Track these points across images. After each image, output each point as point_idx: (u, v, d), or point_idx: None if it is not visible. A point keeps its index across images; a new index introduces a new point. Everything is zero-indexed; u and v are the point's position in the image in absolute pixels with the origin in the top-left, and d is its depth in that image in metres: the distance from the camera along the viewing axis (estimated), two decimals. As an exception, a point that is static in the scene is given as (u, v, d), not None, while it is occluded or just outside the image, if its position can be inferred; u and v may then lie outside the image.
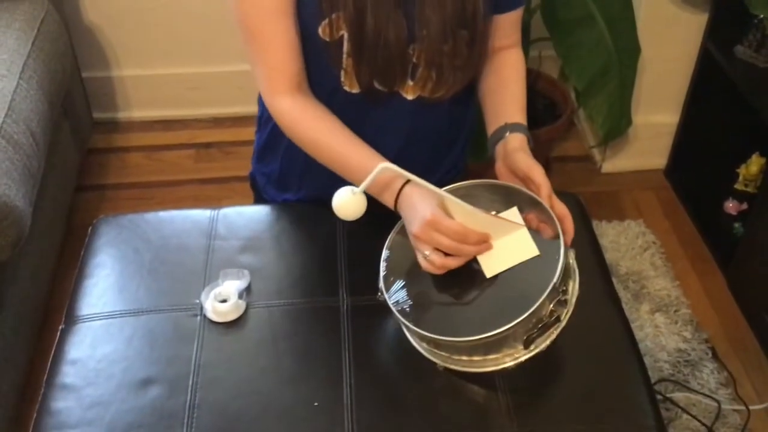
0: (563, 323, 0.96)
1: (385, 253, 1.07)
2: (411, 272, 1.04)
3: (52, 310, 1.96)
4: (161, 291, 1.14)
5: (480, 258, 1.01)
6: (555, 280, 0.93)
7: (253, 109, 1.36)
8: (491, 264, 1.00)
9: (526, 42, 2.18)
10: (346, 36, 1.08)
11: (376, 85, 1.14)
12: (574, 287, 0.98)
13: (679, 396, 1.88)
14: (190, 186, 2.48)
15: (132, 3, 2.43)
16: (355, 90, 1.15)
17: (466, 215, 1.00)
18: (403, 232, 1.08)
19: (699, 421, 1.82)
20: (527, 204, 1.03)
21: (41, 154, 1.85)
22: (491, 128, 1.17)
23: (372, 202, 1.04)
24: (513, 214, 1.02)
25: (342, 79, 1.14)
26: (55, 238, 2.07)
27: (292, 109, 1.13)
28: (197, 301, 1.12)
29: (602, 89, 2.06)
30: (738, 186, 2.39)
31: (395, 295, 1.02)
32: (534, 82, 2.40)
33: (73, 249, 2.06)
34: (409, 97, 1.17)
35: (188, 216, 1.27)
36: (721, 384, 1.92)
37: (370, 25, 1.05)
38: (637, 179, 2.53)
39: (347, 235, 1.22)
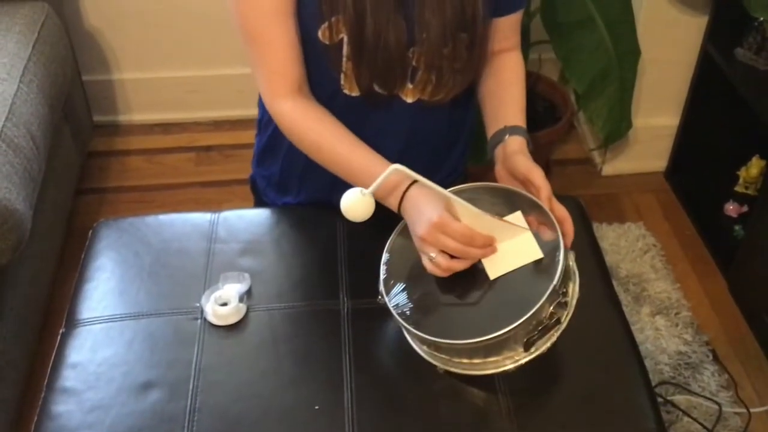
0: (563, 325, 0.96)
1: (385, 256, 1.07)
2: (411, 275, 1.04)
3: (53, 314, 1.96)
4: (161, 294, 1.14)
5: (484, 260, 1.01)
6: (555, 282, 0.93)
7: (253, 112, 1.36)
8: (495, 266, 1.00)
9: (526, 45, 2.18)
10: (345, 39, 1.08)
11: (376, 88, 1.14)
12: (574, 289, 0.98)
13: (679, 399, 1.88)
14: (191, 189, 2.48)
15: (132, 6, 2.44)
16: (355, 93, 1.15)
17: (471, 218, 1.00)
18: (403, 234, 1.08)
19: (700, 423, 1.82)
20: (527, 207, 1.03)
21: (42, 157, 1.85)
22: (491, 131, 1.17)
23: (371, 205, 1.04)
24: (517, 217, 1.02)
25: (342, 82, 1.14)
26: (55, 241, 2.07)
27: (293, 112, 1.13)
28: (198, 304, 1.12)
29: (602, 92, 2.07)
30: (738, 188, 2.39)
31: (395, 298, 1.02)
32: (534, 84, 2.40)
33: (73, 252, 2.06)
34: (409, 100, 1.17)
35: (188, 219, 1.27)
36: (721, 386, 1.92)
37: (369, 28, 1.05)
38: (638, 182, 2.53)
39: (347, 237, 1.22)
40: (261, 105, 1.28)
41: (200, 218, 1.26)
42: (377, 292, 1.05)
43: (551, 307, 0.94)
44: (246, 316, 1.11)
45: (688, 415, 1.84)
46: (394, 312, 1.01)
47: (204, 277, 1.16)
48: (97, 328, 1.10)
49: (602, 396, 1.04)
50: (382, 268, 1.06)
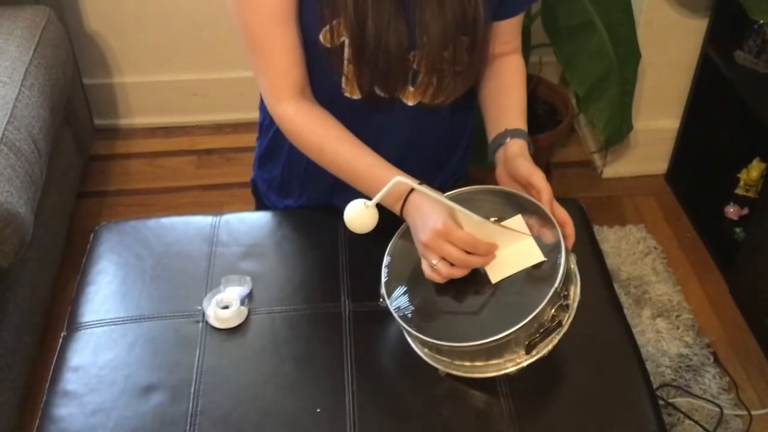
0: (565, 328, 0.96)
1: (386, 259, 1.07)
2: (412, 278, 1.04)
3: (54, 317, 1.96)
4: (163, 297, 1.14)
5: (486, 266, 1.01)
6: (557, 285, 0.93)
7: (254, 115, 1.36)
8: (497, 270, 1.00)
9: (527, 48, 2.18)
10: (347, 42, 1.08)
11: (377, 91, 1.14)
12: (575, 292, 0.98)
13: (681, 401, 1.88)
14: (192, 192, 2.48)
15: (133, 10, 2.44)
16: (356, 96, 1.15)
17: (472, 225, 1.00)
18: (405, 237, 1.08)
19: (701, 426, 1.82)
20: (528, 209, 1.03)
21: (43, 161, 1.86)
22: (492, 134, 1.17)
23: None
24: (518, 221, 1.02)
25: (343, 85, 1.14)
26: (56, 244, 2.07)
27: (296, 116, 1.13)
28: (199, 307, 1.12)
29: (603, 95, 2.07)
30: (739, 191, 2.39)
31: (397, 301, 1.02)
32: (534, 87, 2.41)
33: (74, 256, 2.06)
34: (410, 103, 1.18)
35: (190, 222, 1.28)
36: (723, 389, 1.92)
37: (370, 31, 1.06)
38: (638, 184, 2.53)
39: (349, 241, 1.22)
40: (262, 108, 1.28)
41: (202, 221, 1.27)
42: (378, 295, 1.05)
43: (553, 310, 0.94)
44: (247, 319, 1.11)
45: (690, 418, 1.84)
46: (395, 315, 1.01)
47: (205, 280, 1.16)
48: (99, 331, 1.10)
49: (603, 398, 1.04)
50: (384, 271, 1.06)
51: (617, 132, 2.13)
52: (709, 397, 1.89)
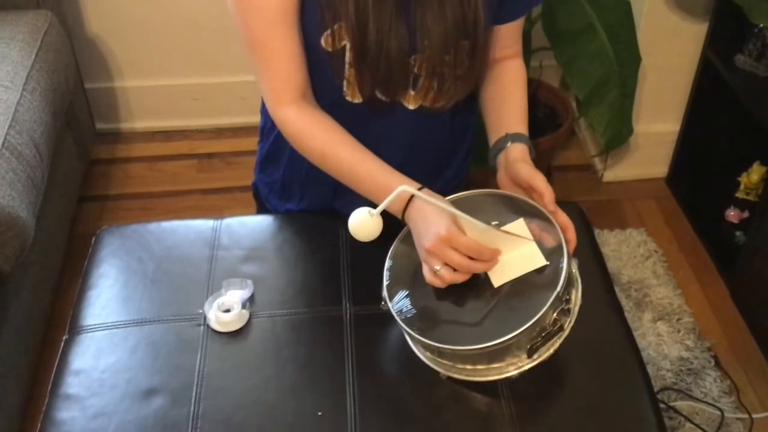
0: (566, 332, 0.96)
1: (388, 263, 1.07)
2: (414, 281, 1.04)
3: (56, 320, 1.96)
4: (164, 301, 1.15)
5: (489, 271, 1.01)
6: (558, 289, 0.93)
7: (254, 119, 1.37)
8: (499, 274, 1.01)
9: (528, 51, 2.19)
10: (348, 46, 1.08)
11: (378, 95, 1.14)
12: (576, 296, 0.98)
13: (682, 404, 1.88)
14: (193, 196, 2.48)
15: (134, 14, 2.44)
16: (357, 100, 1.15)
17: (475, 230, 1.00)
18: (406, 241, 1.08)
19: (702, 429, 1.82)
20: (530, 213, 1.03)
21: (45, 165, 1.86)
22: (493, 138, 1.17)
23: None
24: (520, 224, 1.02)
25: (344, 89, 1.14)
26: (58, 248, 2.07)
27: (297, 119, 1.14)
28: (200, 311, 1.12)
29: (603, 98, 2.07)
30: (739, 194, 2.39)
31: (398, 304, 1.02)
32: (535, 91, 2.41)
33: (76, 259, 2.06)
34: (411, 106, 1.18)
35: (191, 226, 1.28)
36: (724, 392, 1.92)
37: (372, 35, 1.06)
38: (639, 188, 2.53)
39: (350, 244, 1.22)
40: (263, 112, 1.28)
41: (203, 225, 1.27)
42: (380, 299, 1.05)
43: (554, 314, 0.94)
44: (249, 323, 1.11)
45: (691, 421, 1.83)
46: (397, 318, 1.01)
47: (207, 284, 1.16)
48: (101, 335, 1.10)
49: (604, 402, 1.04)
50: (385, 275, 1.06)
51: (618, 135, 2.14)
52: (710, 400, 1.89)
